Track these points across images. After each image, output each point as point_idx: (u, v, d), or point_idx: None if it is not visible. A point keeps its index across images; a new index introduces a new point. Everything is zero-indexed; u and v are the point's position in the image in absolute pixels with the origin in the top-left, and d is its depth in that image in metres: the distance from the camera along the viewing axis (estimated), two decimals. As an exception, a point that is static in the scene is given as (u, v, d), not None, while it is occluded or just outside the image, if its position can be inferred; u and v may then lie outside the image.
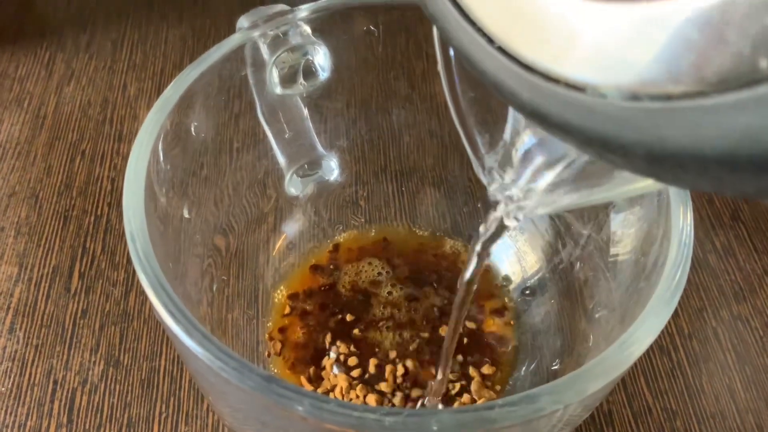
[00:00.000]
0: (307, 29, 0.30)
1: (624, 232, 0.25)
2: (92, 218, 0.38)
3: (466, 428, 0.17)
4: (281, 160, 0.33)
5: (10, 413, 0.31)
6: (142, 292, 0.35)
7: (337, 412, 0.18)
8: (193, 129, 0.27)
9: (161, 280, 0.20)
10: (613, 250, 0.26)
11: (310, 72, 0.32)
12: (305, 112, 0.33)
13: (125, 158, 0.40)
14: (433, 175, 0.38)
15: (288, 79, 0.30)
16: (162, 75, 0.44)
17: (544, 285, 0.31)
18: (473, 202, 0.37)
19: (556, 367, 0.29)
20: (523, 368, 0.30)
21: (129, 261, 0.36)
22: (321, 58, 0.31)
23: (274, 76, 0.29)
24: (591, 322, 0.27)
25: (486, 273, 0.34)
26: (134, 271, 0.35)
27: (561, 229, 0.31)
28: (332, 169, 0.35)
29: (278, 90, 0.30)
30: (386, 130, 0.37)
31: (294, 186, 0.34)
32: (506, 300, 0.33)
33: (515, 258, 0.34)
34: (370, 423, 0.18)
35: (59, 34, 0.47)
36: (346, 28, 0.31)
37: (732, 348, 0.34)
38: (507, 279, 0.34)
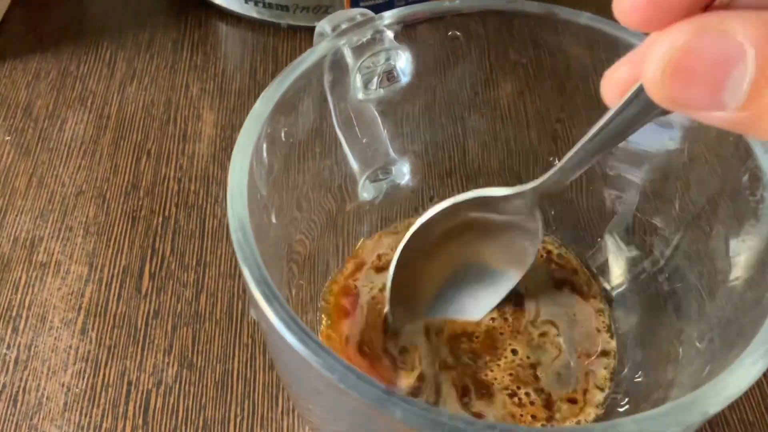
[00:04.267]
0: (390, 34, 0.29)
1: (734, 249, 0.25)
2: (160, 219, 0.38)
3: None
4: (354, 165, 0.33)
5: (85, 414, 0.31)
6: (213, 294, 0.35)
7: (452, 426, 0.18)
8: (282, 133, 0.27)
9: (272, 289, 0.20)
10: (713, 268, 0.25)
11: (387, 77, 0.32)
12: (379, 118, 0.33)
13: (191, 158, 0.40)
14: (498, 180, 0.38)
15: (369, 85, 0.30)
16: (224, 76, 0.44)
17: (625, 294, 0.31)
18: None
19: (639, 380, 0.29)
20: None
21: (198, 262, 0.36)
22: (403, 63, 0.30)
23: (357, 81, 0.29)
24: (680, 339, 0.27)
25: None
26: (204, 273, 0.36)
27: (648, 243, 0.30)
28: (404, 174, 0.35)
29: (361, 95, 0.30)
30: (452, 135, 0.37)
31: (367, 191, 0.34)
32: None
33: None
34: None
35: (119, 32, 0.47)
36: (430, 33, 0.30)
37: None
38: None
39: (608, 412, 0.29)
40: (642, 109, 0.20)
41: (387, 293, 0.31)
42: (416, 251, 0.30)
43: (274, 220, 0.27)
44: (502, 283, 0.32)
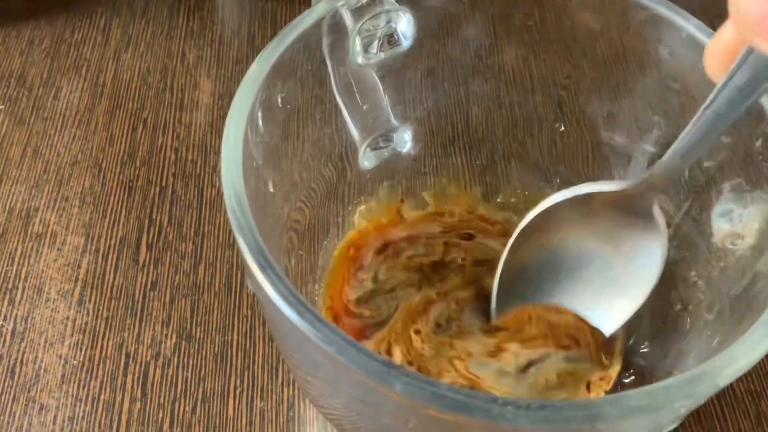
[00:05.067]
0: (391, -5, 0.28)
1: (744, 216, 0.24)
2: (157, 189, 0.37)
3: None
4: (355, 133, 0.32)
5: (83, 386, 0.31)
6: (211, 265, 0.35)
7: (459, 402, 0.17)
8: (279, 100, 0.26)
9: (269, 259, 0.19)
10: (722, 236, 0.25)
11: (387, 41, 0.31)
12: (380, 83, 0.32)
13: (188, 127, 0.39)
14: (503, 148, 0.37)
15: (369, 49, 0.29)
16: (221, 42, 0.43)
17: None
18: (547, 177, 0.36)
19: (645, 350, 0.28)
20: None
21: (196, 233, 0.36)
22: (404, 26, 0.29)
23: (357, 45, 0.28)
24: (687, 309, 0.26)
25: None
26: (203, 243, 0.35)
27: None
28: (405, 141, 0.34)
29: (360, 60, 0.29)
30: (455, 101, 0.36)
31: (368, 159, 0.33)
32: None
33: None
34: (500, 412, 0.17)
35: (114, -1, 0.46)
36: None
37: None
38: None
39: (614, 385, 0.29)
40: (755, 73, 0.18)
41: (495, 281, 0.29)
42: (528, 245, 0.28)
43: (271, 189, 0.26)
44: (626, 298, 0.28)
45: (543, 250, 0.29)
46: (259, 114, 0.24)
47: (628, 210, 0.26)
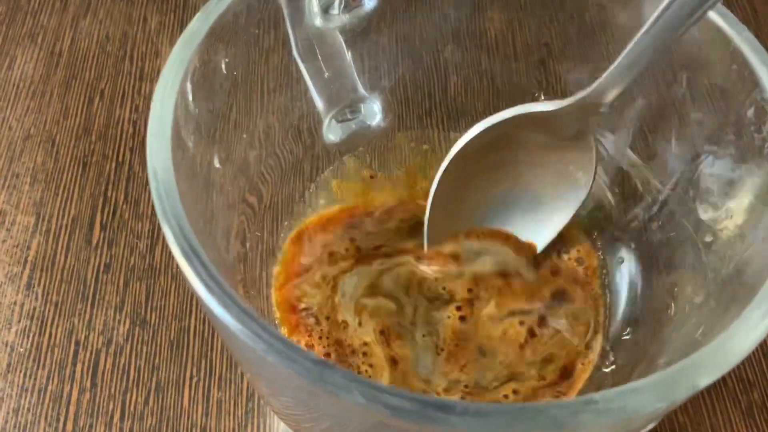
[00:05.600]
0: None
1: (734, 193, 0.22)
2: (113, 164, 0.35)
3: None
4: (319, 103, 0.30)
5: (30, 376, 0.29)
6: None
7: (397, 406, 0.15)
8: (223, 66, 0.23)
9: (193, 243, 0.17)
10: (711, 215, 0.22)
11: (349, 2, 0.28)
12: (345, 48, 0.30)
13: (147, 99, 0.37)
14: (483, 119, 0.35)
15: (329, 9, 0.27)
16: (185, 8, 0.41)
17: (614, 245, 0.28)
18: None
19: (627, 337, 0.26)
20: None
21: (154, 212, 0.33)
22: (367, -16, 0.27)
23: (313, 4, 0.26)
24: (672, 293, 0.24)
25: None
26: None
27: (635, 182, 0.27)
28: (375, 113, 0.32)
29: (318, 22, 0.27)
30: (431, 69, 0.34)
31: (333, 132, 0.31)
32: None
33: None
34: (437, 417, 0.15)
35: (73, -38, 0.43)
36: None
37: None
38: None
39: (593, 372, 0.27)
40: None
41: (427, 209, 0.29)
42: (459, 172, 0.28)
43: (217, 165, 0.24)
44: (556, 215, 0.29)
45: (474, 177, 0.28)
46: (197, 81, 0.21)
47: (563, 132, 0.26)
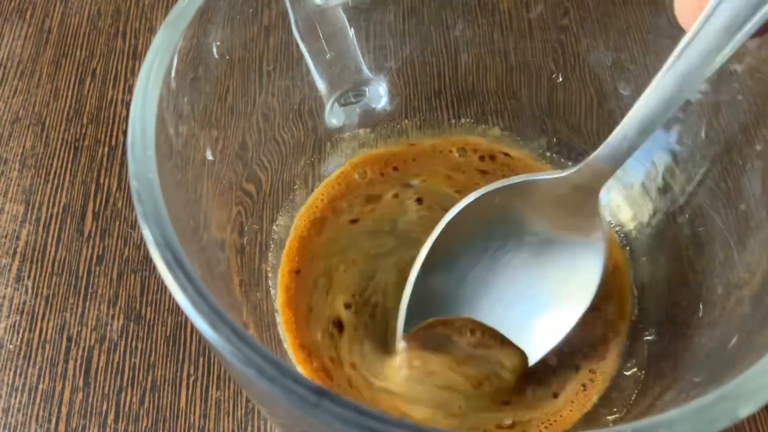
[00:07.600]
0: None
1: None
2: (106, 149, 0.33)
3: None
4: (321, 85, 0.28)
5: (20, 374, 0.28)
6: (164, 236, 0.31)
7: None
8: (215, 48, 0.21)
9: (178, 255, 0.16)
10: (745, 211, 0.21)
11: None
12: (348, 26, 0.28)
13: (141, 79, 0.35)
14: (495, 101, 0.33)
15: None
16: (181, -19, 0.39)
17: (641, 241, 0.26)
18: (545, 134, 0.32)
19: (650, 338, 0.25)
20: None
21: (148, 200, 0.32)
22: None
23: (313, -19, 0.24)
24: (700, 295, 0.22)
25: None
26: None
27: (665, 177, 0.25)
28: (380, 95, 0.30)
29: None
30: (441, 48, 0.32)
31: (336, 116, 0.29)
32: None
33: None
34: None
35: (64, -68, 0.41)
36: None
37: None
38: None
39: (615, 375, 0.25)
40: (729, 22, 0.15)
41: (405, 295, 0.24)
42: (447, 252, 0.24)
43: (210, 157, 0.22)
44: (556, 321, 0.24)
45: (466, 255, 0.24)
46: (184, 69, 0.19)
47: (570, 206, 0.22)
